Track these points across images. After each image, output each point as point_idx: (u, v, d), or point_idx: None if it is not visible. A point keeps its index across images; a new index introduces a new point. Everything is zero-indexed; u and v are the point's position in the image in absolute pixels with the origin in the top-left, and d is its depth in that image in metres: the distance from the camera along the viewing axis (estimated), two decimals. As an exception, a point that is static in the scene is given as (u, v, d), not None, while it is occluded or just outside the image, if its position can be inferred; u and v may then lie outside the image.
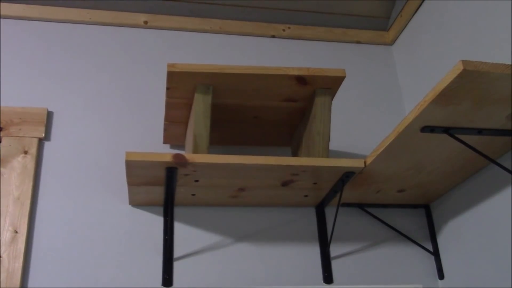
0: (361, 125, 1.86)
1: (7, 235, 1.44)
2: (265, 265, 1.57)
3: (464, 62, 1.02)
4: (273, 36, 1.97)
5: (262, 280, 1.55)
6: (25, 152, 1.56)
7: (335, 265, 1.61)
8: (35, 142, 1.58)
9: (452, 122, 1.21)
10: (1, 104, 1.62)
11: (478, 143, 1.30)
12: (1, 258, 1.41)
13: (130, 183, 1.43)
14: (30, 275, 1.43)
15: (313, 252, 1.62)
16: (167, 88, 1.41)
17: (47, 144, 1.61)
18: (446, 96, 1.10)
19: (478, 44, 1.53)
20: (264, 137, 1.66)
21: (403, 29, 1.95)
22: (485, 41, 1.50)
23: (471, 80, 1.06)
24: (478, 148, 1.31)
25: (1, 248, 1.42)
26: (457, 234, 1.58)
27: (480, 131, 1.25)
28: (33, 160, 1.55)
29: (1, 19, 1.77)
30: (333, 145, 1.77)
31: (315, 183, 1.48)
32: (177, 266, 1.52)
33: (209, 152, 1.37)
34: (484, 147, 1.32)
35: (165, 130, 1.60)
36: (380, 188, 1.54)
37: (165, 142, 1.67)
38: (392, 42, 2.04)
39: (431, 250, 1.67)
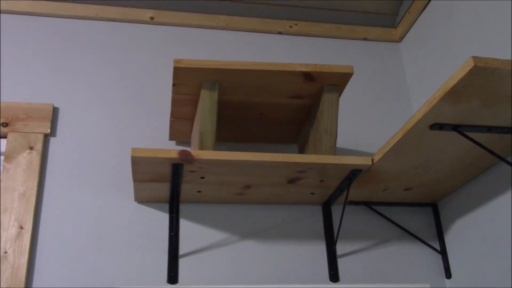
0: (369, 123, 1.85)
1: (12, 231, 1.44)
2: (271, 263, 1.56)
3: (475, 58, 1.01)
4: (280, 33, 1.95)
5: (267, 278, 1.54)
6: (31, 148, 1.55)
7: (341, 263, 1.60)
8: (40, 138, 1.58)
9: (461, 120, 1.20)
10: (7, 100, 1.62)
11: (487, 141, 1.29)
12: (7, 254, 1.41)
13: (135, 180, 1.42)
14: (35, 271, 1.43)
15: (319, 250, 1.61)
16: (173, 84, 1.40)
17: (52, 140, 1.61)
18: (456, 93, 1.09)
19: (487, 41, 1.51)
20: (270, 134, 1.65)
21: (411, 26, 1.94)
22: (495, 38, 1.48)
23: (482, 77, 1.05)
24: (488, 146, 1.29)
25: (6, 244, 1.42)
26: (464, 233, 1.57)
27: (489, 129, 1.24)
28: (39, 156, 1.55)
29: (7, 15, 1.77)
30: (340, 143, 1.76)
31: (321, 181, 1.47)
32: (182, 263, 1.51)
33: (215, 149, 1.36)
34: (493, 145, 1.31)
35: (171, 126, 1.59)
36: (387, 186, 1.53)
37: (171, 138, 1.66)
38: (400, 39, 2.02)
39: (439, 249, 1.66)
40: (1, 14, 1.76)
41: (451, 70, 1.67)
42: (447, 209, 1.66)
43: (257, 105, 1.50)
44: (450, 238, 1.64)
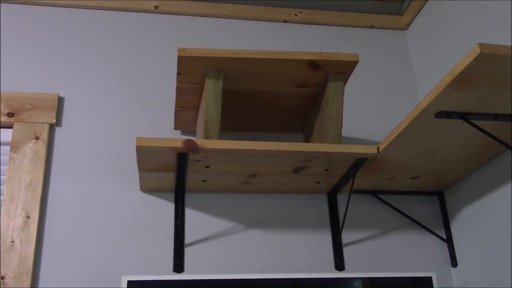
0: (374, 111, 1.84)
1: (19, 221, 1.45)
2: (276, 252, 1.56)
3: (481, 45, 1.00)
4: (285, 21, 1.94)
5: (273, 267, 1.54)
6: (37, 138, 1.56)
7: (346, 252, 1.60)
8: (46, 127, 1.58)
9: (468, 107, 1.19)
10: (13, 90, 1.62)
11: (494, 129, 1.27)
12: (14, 243, 1.42)
13: (141, 169, 1.42)
14: (42, 260, 1.44)
15: (325, 239, 1.61)
16: (178, 73, 1.40)
17: (58, 130, 1.61)
18: (463, 80, 1.08)
19: (495, 28, 1.49)
20: (276, 123, 1.64)
21: (418, 13, 1.92)
22: (502, 25, 1.46)
23: (488, 64, 1.03)
24: (495, 134, 1.28)
25: (13, 233, 1.43)
26: (471, 222, 1.56)
27: (496, 117, 1.23)
28: (45, 145, 1.55)
29: (12, 4, 1.77)
30: (346, 131, 1.75)
31: (327, 170, 1.47)
32: (188, 252, 1.52)
33: (220, 138, 1.36)
34: (500, 133, 1.30)
35: (176, 116, 1.59)
36: (393, 174, 1.52)
37: (176, 128, 1.66)
38: (406, 27, 2.00)
39: (445, 237, 1.65)
40: (6, 4, 1.76)
41: (458, 58, 1.65)
42: (454, 197, 1.65)
43: (262, 93, 1.50)
44: (456, 226, 1.64)
